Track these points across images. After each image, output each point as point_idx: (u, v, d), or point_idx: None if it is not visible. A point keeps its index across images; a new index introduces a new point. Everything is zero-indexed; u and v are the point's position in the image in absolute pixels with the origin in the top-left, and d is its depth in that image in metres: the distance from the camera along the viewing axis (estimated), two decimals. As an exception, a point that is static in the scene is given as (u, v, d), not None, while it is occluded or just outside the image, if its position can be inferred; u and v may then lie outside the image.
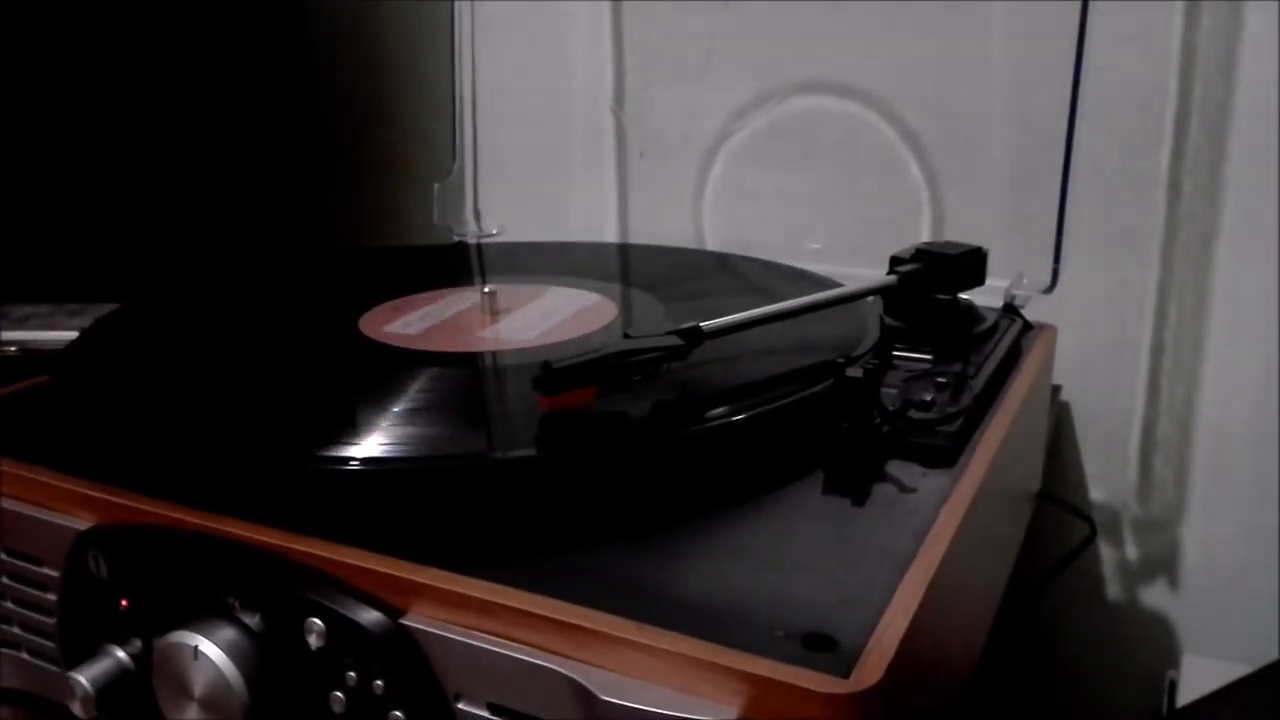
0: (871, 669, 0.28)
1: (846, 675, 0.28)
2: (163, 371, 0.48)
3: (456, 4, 0.76)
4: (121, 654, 0.37)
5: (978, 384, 0.47)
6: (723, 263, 0.68)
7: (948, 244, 0.55)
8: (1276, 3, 0.60)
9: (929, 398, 0.44)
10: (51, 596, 0.40)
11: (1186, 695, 0.56)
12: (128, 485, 0.39)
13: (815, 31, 0.71)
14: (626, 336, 0.41)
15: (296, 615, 0.33)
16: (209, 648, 0.34)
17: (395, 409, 0.41)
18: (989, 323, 0.55)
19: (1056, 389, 0.68)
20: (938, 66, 0.68)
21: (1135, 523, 0.70)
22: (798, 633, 0.30)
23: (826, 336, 0.49)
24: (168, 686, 0.35)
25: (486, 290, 0.54)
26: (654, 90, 0.79)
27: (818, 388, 0.42)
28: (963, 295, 0.55)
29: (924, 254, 0.53)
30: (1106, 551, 0.71)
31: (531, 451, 0.38)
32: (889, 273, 0.53)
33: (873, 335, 0.50)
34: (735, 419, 0.40)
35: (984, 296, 0.56)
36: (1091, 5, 0.56)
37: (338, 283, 0.64)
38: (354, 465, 0.37)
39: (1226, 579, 0.68)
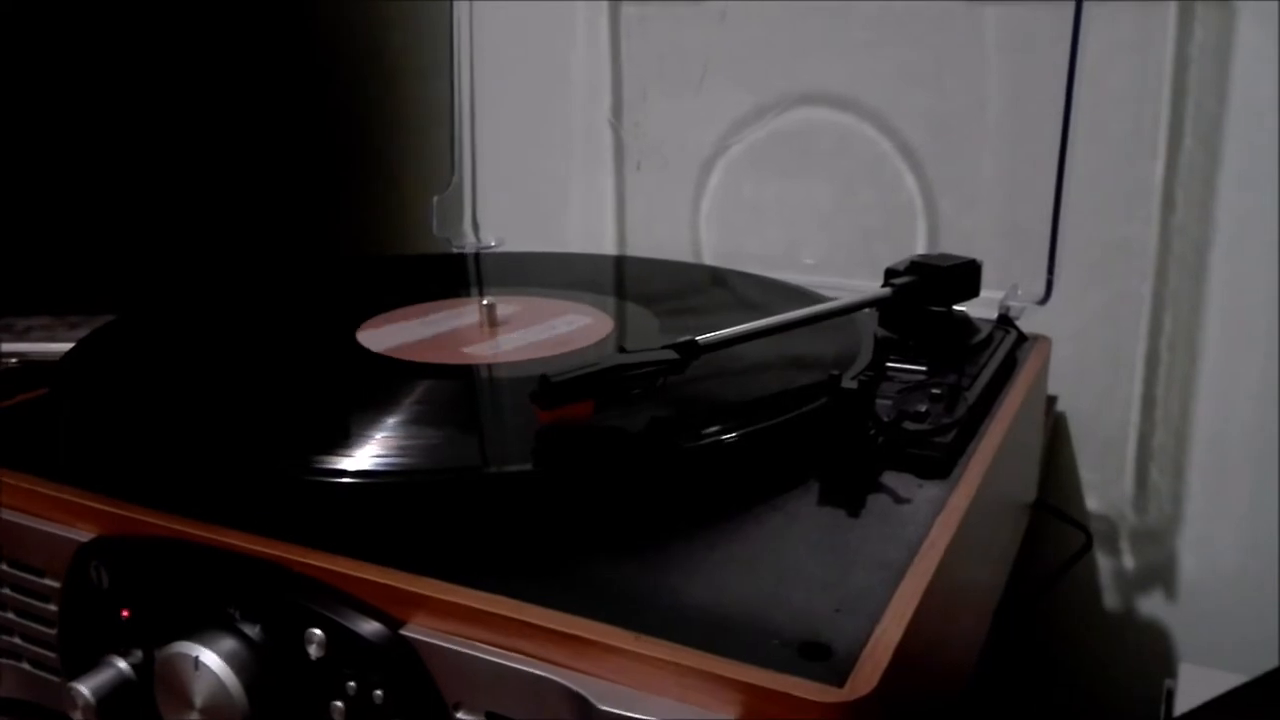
0: (866, 678, 0.29)
1: (841, 684, 0.28)
2: (162, 382, 0.48)
3: (455, 15, 0.76)
4: (123, 664, 0.37)
5: (972, 395, 0.47)
6: (718, 277, 0.68)
7: (942, 256, 0.55)
8: (1275, 9, 0.60)
9: (924, 409, 0.44)
10: (53, 607, 0.40)
11: (1184, 704, 0.56)
12: (129, 497, 0.39)
13: (811, 44, 0.72)
14: (623, 350, 0.42)
15: (297, 625, 0.34)
16: (210, 658, 0.34)
17: (394, 421, 0.42)
18: (983, 334, 0.55)
19: (1052, 399, 0.68)
20: (933, 78, 0.69)
21: (1132, 532, 0.71)
22: (793, 642, 0.30)
23: (822, 349, 0.50)
24: (169, 697, 0.35)
25: (484, 302, 0.54)
26: (652, 102, 0.79)
27: (814, 405, 0.42)
28: (957, 307, 0.55)
29: (918, 266, 0.54)
30: (1103, 561, 0.72)
31: (529, 466, 0.38)
32: (884, 285, 0.53)
33: (868, 348, 0.50)
34: (731, 435, 0.40)
35: (978, 308, 0.56)
36: (1085, 16, 0.56)
37: (335, 293, 0.65)
38: (353, 477, 0.37)
39: (1223, 588, 0.68)
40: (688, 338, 0.42)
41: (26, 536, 0.40)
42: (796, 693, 0.28)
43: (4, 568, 0.41)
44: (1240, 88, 0.62)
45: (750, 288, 0.64)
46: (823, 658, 0.29)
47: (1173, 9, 0.62)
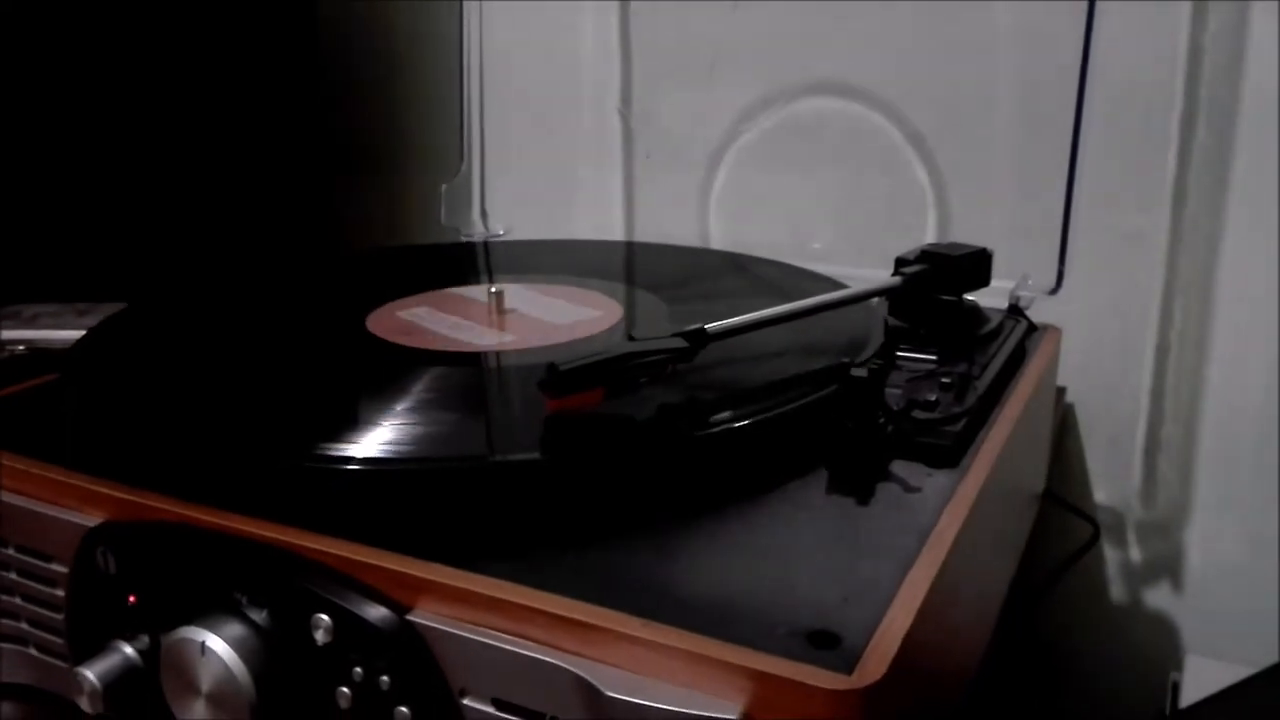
0: (874, 666, 0.29)
1: (849, 672, 0.28)
2: (171, 369, 0.48)
3: (465, 5, 0.76)
4: (129, 650, 0.37)
5: (982, 384, 0.47)
6: (728, 263, 0.68)
7: (953, 245, 0.55)
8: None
9: (933, 398, 0.44)
10: (60, 592, 0.40)
11: (1189, 696, 0.56)
12: (137, 482, 0.39)
13: (821, 33, 0.71)
14: (631, 339, 0.42)
15: (303, 611, 0.34)
16: (216, 643, 0.34)
17: (401, 407, 0.42)
18: (993, 324, 0.55)
19: (1061, 390, 0.68)
20: (944, 68, 0.68)
21: (1139, 524, 0.71)
22: (802, 629, 0.30)
23: (832, 338, 0.50)
24: (175, 682, 0.36)
25: (493, 290, 0.54)
26: (661, 92, 0.79)
27: (824, 392, 0.42)
28: (968, 296, 0.55)
29: (929, 255, 0.54)
30: (1110, 553, 0.71)
31: (536, 454, 0.38)
32: (894, 274, 0.53)
33: (877, 337, 0.50)
34: (740, 423, 0.40)
35: (989, 298, 0.56)
36: (1098, 7, 0.56)
37: (345, 282, 0.65)
38: (362, 463, 0.37)
39: (1230, 580, 0.68)
40: (697, 325, 0.42)
41: (34, 521, 0.40)
42: (805, 680, 0.28)
43: (11, 553, 0.41)
44: (1253, 78, 0.62)
45: (762, 273, 0.64)
46: (831, 646, 0.29)
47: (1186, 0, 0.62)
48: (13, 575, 0.42)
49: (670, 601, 0.31)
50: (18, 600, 0.42)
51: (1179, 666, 0.63)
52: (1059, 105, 0.57)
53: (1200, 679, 0.57)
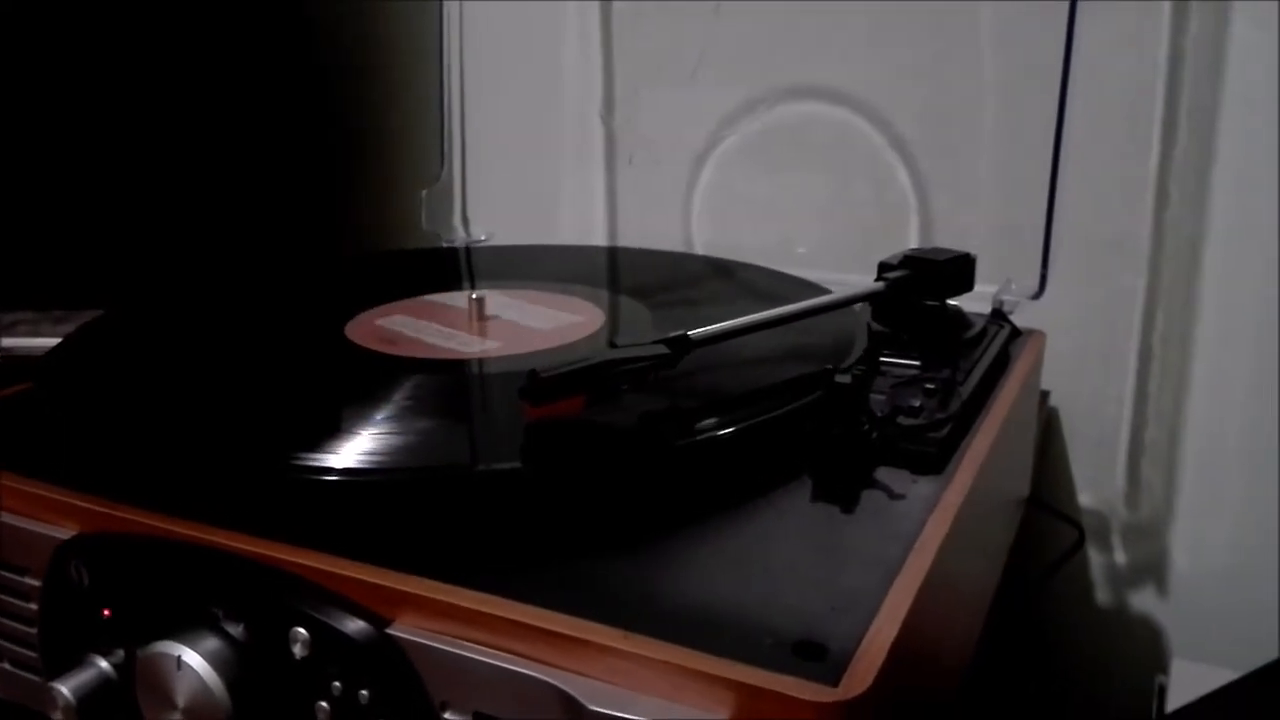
0: (860, 677, 0.28)
1: (835, 683, 0.28)
2: (147, 378, 0.48)
3: (445, 9, 0.76)
4: (104, 664, 0.37)
5: (966, 390, 0.47)
6: (711, 268, 0.68)
7: (936, 250, 0.55)
8: (1274, 3, 0.60)
9: (917, 404, 0.44)
10: (33, 606, 0.40)
11: (1175, 700, 0.56)
12: (110, 494, 0.38)
13: (805, 38, 0.71)
14: (613, 345, 0.41)
15: (281, 624, 0.33)
16: (192, 657, 0.34)
17: (381, 417, 0.41)
18: (977, 329, 0.55)
19: (1045, 394, 0.68)
20: (927, 73, 0.68)
21: (1124, 528, 0.71)
22: (787, 640, 0.30)
23: (815, 343, 0.49)
24: (151, 697, 0.35)
25: (474, 297, 0.54)
26: (644, 95, 0.79)
27: (807, 399, 0.42)
28: (951, 301, 0.55)
29: (912, 260, 0.53)
30: (1095, 557, 0.71)
31: (517, 463, 0.37)
32: (877, 279, 0.53)
33: (861, 342, 0.50)
34: (724, 431, 0.40)
35: (972, 302, 0.56)
36: (1079, 11, 0.56)
37: (324, 289, 0.64)
38: (339, 474, 0.36)
39: (1215, 584, 0.68)
40: (679, 332, 0.42)
41: (7, 534, 0.40)
42: (790, 692, 0.28)
43: (-16, 565, 0.41)
44: (1235, 81, 0.62)
45: (746, 278, 0.64)
46: (817, 657, 0.29)
47: (1167, 3, 0.62)
48: (-14, 589, 0.41)
49: (653, 613, 0.31)
50: (-9, 614, 0.41)
51: (1165, 670, 0.63)
52: (1041, 110, 0.57)
53: (1186, 682, 0.57)
